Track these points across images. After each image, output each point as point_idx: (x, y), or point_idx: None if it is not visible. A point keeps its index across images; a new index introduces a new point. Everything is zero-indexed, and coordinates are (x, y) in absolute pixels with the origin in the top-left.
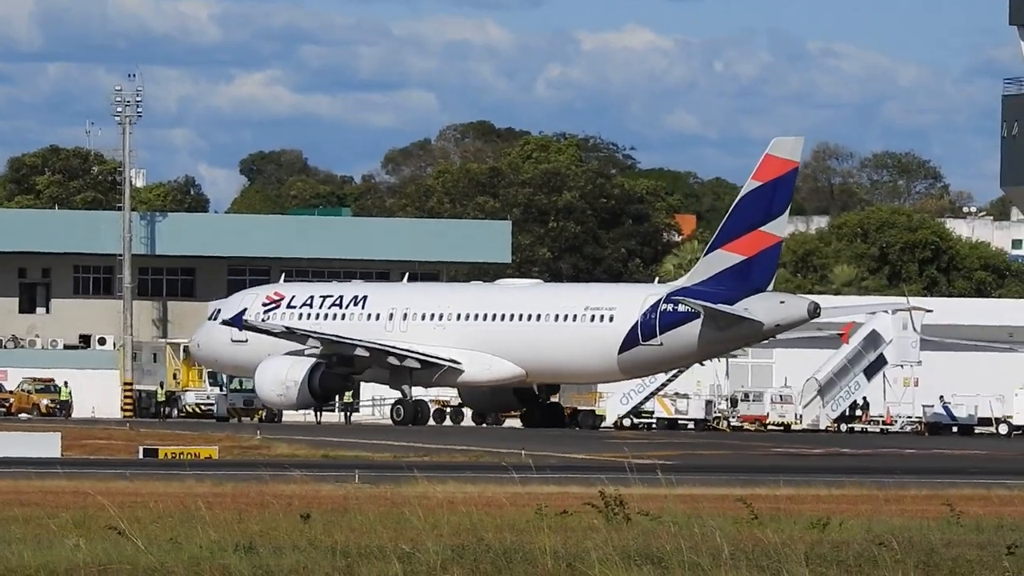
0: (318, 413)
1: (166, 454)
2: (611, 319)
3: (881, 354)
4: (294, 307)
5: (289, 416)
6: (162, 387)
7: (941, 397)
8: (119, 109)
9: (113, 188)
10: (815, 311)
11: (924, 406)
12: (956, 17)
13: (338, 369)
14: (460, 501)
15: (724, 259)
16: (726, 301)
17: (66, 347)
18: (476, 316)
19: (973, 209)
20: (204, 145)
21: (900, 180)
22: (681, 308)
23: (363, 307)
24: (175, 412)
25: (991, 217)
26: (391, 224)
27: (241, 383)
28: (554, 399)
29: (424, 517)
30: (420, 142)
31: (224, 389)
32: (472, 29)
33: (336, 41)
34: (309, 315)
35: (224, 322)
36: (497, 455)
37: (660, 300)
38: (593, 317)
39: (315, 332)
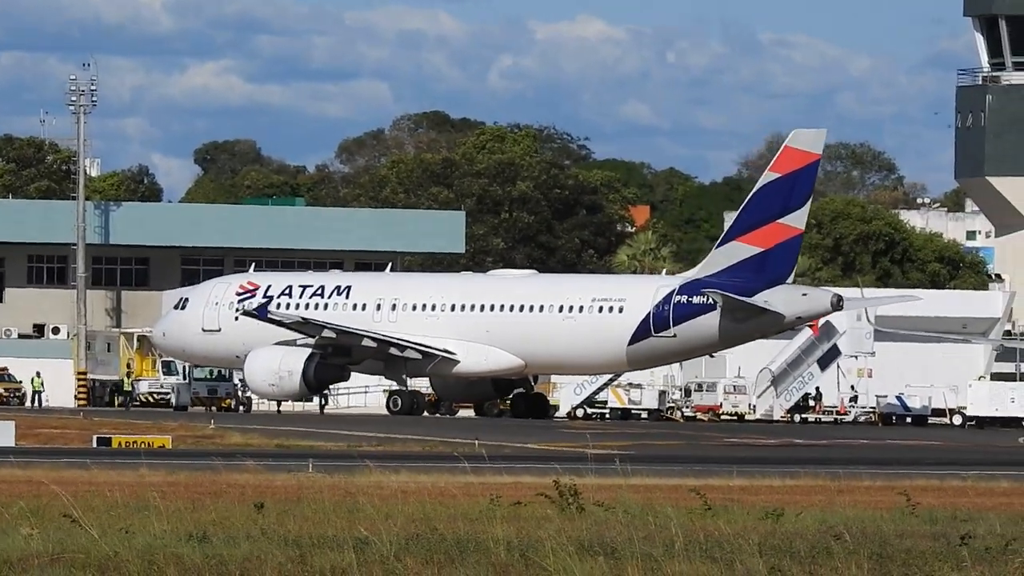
0: (279, 403)
1: (120, 443)
2: (620, 310)
3: (835, 345)
4: (271, 297)
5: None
6: (128, 377)
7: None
8: (73, 98)
9: (67, 177)
10: (838, 304)
11: (877, 396)
12: (910, 8)
13: (334, 359)
14: (413, 491)
15: (740, 251)
16: (743, 293)
17: (20, 336)
18: (473, 307)
19: (927, 200)
20: (157, 134)
21: (854, 171)
22: (696, 299)
23: (347, 297)
24: (128, 401)
25: (945, 208)
26: (345, 214)
27: (212, 372)
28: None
29: (377, 507)
30: (374, 132)
31: (187, 378)
32: (425, 19)
33: (289, 31)
34: (288, 305)
35: (245, 313)
36: (451, 445)
37: (673, 291)
38: (601, 308)
39: (330, 323)
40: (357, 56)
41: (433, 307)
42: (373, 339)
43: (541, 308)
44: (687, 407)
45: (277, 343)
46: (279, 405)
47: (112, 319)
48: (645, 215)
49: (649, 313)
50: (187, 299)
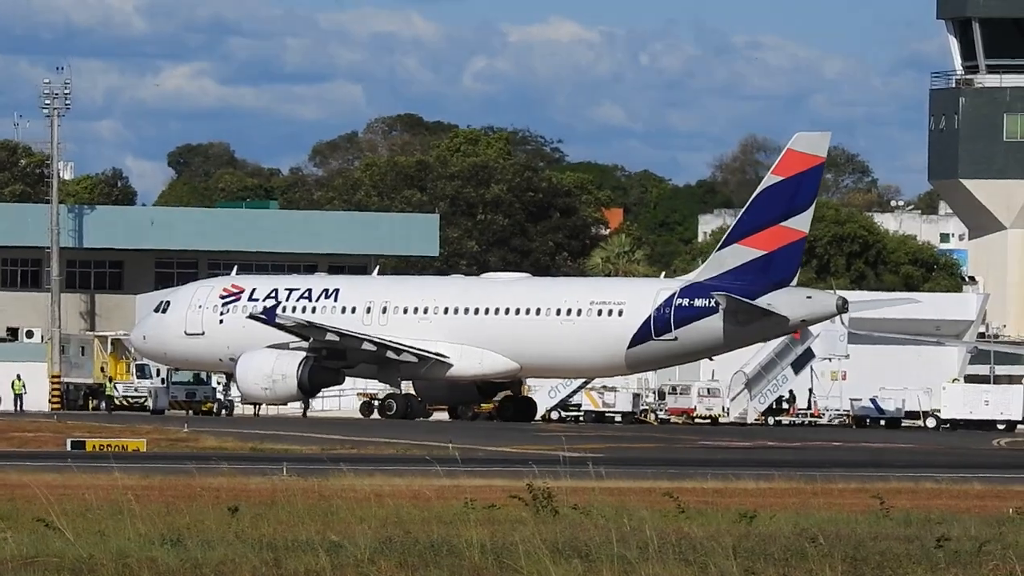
0: (256, 407)
1: (94, 446)
2: (620, 313)
3: (809, 347)
4: (256, 300)
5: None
6: (110, 380)
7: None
8: (47, 102)
9: (41, 180)
10: (843, 306)
11: (851, 399)
12: (883, 10)
13: (329, 363)
14: (387, 494)
15: (742, 254)
16: (745, 296)
17: None
18: (467, 310)
19: (901, 203)
20: (131, 137)
21: (828, 174)
22: (697, 302)
23: (336, 300)
24: (102, 405)
25: (919, 211)
26: (319, 217)
27: (196, 376)
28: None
29: (351, 510)
30: (347, 135)
31: (165, 382)
32: (398, 21)
33: (262, 33)
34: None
35: (252, 316)
36: (425, 448)
37: (674, 294)
38: (600, 311)
39: (333, 327)
40: (330, 59)
41: (426, 310)
42: (374, 343)
43: (538, 311)
44: (661, 410)
45: (268, 346)
46: (256, 409)
47: (86, 322)
48: (619, 218)
49: (649, 316)
50: (168, 302)
